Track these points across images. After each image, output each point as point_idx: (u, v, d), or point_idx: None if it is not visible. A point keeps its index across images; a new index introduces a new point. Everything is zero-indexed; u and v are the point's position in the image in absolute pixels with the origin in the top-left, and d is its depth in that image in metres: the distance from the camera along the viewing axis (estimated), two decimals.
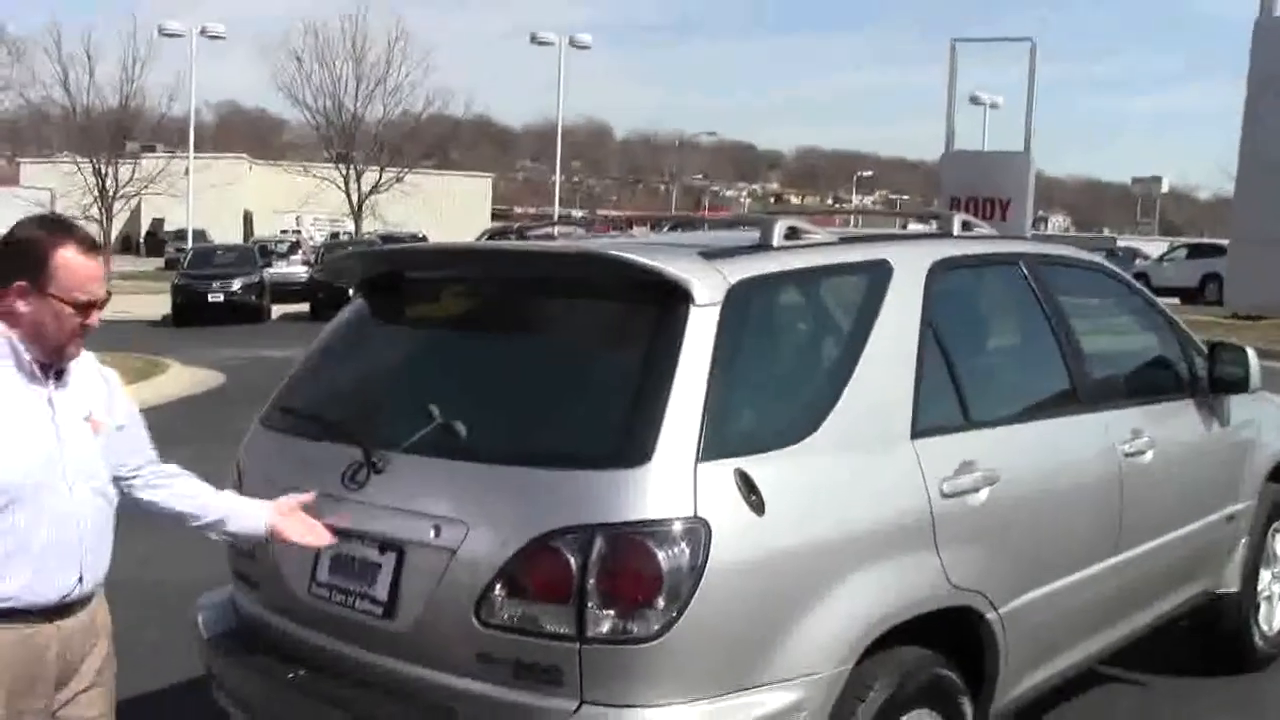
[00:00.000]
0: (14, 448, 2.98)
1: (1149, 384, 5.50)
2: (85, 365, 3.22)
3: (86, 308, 3.05)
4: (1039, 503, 4.34)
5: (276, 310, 32.13)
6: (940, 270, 4.27)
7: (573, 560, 3.19)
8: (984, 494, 4.03)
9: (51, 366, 3.09)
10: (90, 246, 3.09)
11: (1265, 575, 6.15)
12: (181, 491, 3.46)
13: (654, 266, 3.49)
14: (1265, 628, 6.19)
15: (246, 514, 3.55)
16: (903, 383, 3.93)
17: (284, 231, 58.47)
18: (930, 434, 3.94)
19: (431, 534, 3.44)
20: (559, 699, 3.23)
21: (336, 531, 3.60)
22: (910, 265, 4.18)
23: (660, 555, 3.15)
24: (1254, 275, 12.94)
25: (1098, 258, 5.87)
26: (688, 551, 3.17)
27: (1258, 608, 6.13)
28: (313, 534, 3.57)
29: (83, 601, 3.16)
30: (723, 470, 3.29)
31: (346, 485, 3.67)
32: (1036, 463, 4.40)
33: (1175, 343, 5.67)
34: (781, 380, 3.87)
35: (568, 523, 3.23)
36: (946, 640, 3.92)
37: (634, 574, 3.17)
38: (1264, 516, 6.05)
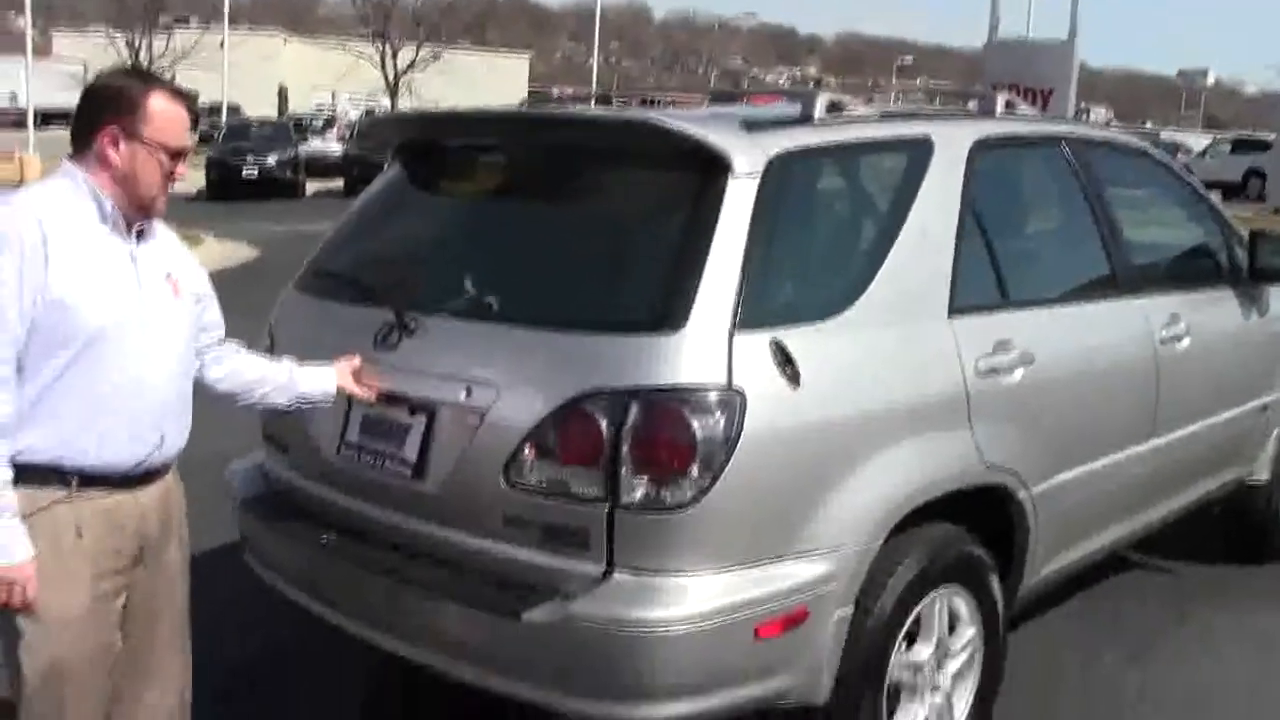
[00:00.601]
0: (95, 292, 2.91)
1: (1189, 271, 5.45)
2: (165, 229, 3.19)
3: (177, 155, 3.02)
4: (1074, 384, 4.33)
5: (311, 186, 32.10)
6: (982, 149, 4.22)
7: (605, 424, 3.20)
8: (1019, 374, 4.02)
9: (134, 222, 3.04)
10: (179, 94, 3.06)
11: None
12: (248, 363, 3.46)
13: (695, 135, 3.46)
14: None
15: (314, 376, 3.57)
16: (941, 260, 3.90)
17: (319, 108, 58.18)
18: (967, 312, 3.92)
19: (462, 395, 3.45)
20: (586, 564, 3.27)
21: None
22: (952, 143, 4.13)
23: (695, 423, 3.16)
24: None
25: (1139, 140, 5.77)
26: (722, 420, 3.17)
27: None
28: (372, 393, 3.64)
29: (160, 471, 3.14)
30: (759, 341, 3.29)
31: (378, 348, 3.68)
32: (1072, 345, 4.38)
33: (1217, 231, 5.61)
34: (819, 253, 3.85)
35: (601, 386, 3.23)
36: (977, 519, 3.94)
37: (668, 441, 3.17)
38: None
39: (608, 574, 3.22)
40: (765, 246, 3.41)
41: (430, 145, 4.33)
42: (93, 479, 2.96)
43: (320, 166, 33.55)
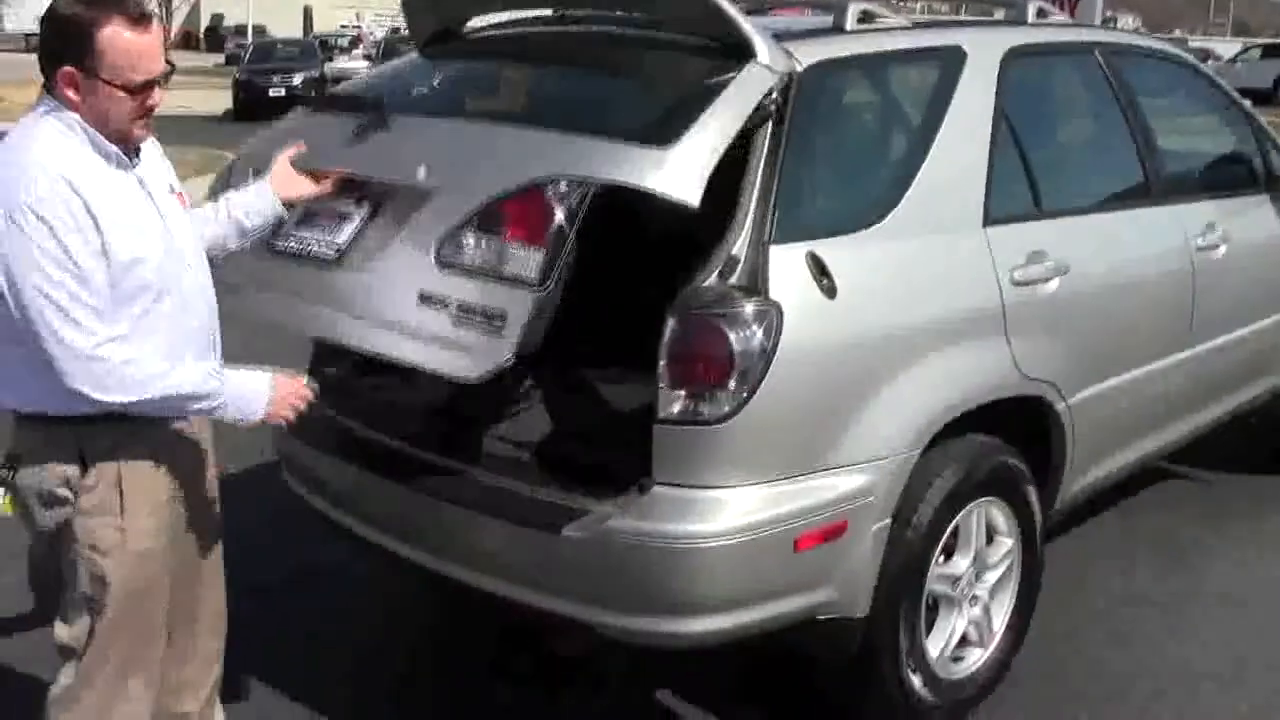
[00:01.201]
0: (141, 238, 2.80)
1: (1224, 178, 5.36)
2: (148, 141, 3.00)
3: (144, 89, 2.77)
4: (1109, 294, 4.30)
5: None
6: (1014, 57, 4.16)
7: (556, 208, 3.14)
8: (1055, 283, 3.99)
9: (125, 150, 2.88)
10: (139, 19, 2.72)
11: None
12: (207, 218, 3.31)
13: (740, 30, 3.37)
14: None
15: (252, 202, 3.38)
16: (975, 170, 3.86)
17: (343, 26, 57.77)
18: (1002, 222, 3.89)
19: (421, 173, 3.46)
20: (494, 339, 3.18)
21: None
22: (984, 51, 4.07)
23: (732, 336, 3.14)
24: None
25: (1173, 47, 5.68)
26: (759, 333, 3.16)
27: None
28: (323, 185, 3.53)
29: None
30: (794, 253, 3.27)
31: (350, 143, 3.67)
32: (1108, 254, 4.34)
33: (1251, 137, 5.52)
34: (853, 164, 3.82)
35: (560, 174, 3.18)
36: (1015, 430, 3.93)
37: (706, 355, 3.16)
38: None
39: (648, 490, 3.21)
40: (799, 158, 3.37)
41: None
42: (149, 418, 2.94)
43: None
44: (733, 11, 3.37)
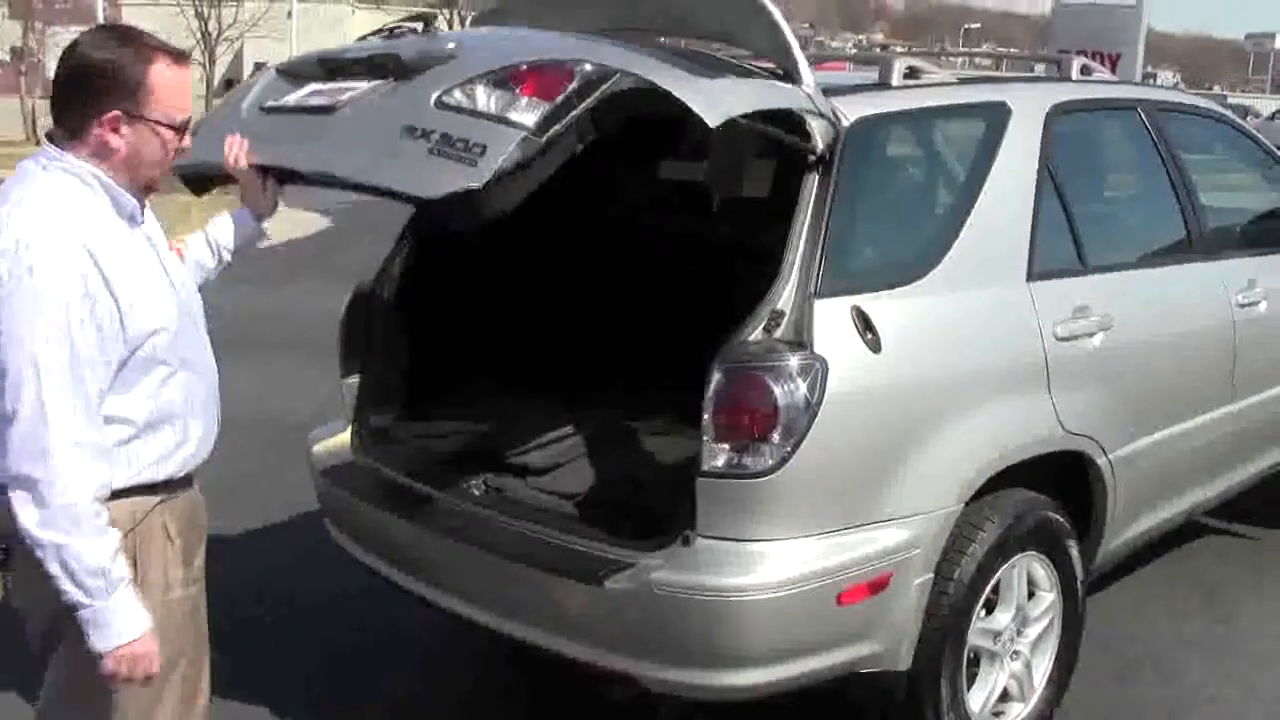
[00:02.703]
0: (158, 302, 2.64)
1: (1265, 234, 5.37)
2: None
3: (183, 128, 2.67)
4: (1152, 349, 4.31)
5: None
6: (1059, 113, 4.19)
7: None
8: (1098, 339, 4.01)
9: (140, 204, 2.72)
10: (179, 55, 2.65)
11: None
12: (202, 263, 3.15)
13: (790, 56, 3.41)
14: None
15: (237, 225, 3.20)
16: (1019, 225, 3.89)
17: None
18: (1046, 277, 3.91)
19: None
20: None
21: None
22: (1029, 107, 4.11)
23: (777, 390, 3.17)
24: None
25: (1216, 105, 5.71)
26: (804, 387, 3.19)
27: None
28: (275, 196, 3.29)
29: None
30: (840, 307, 3.30)
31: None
32: (1150, 309, 4.37)
33: None
34: (899, 219, 3.86)
35: None
36: (1056, 485, 3.94)
37: (750, 408, 3.19)
38: None
39: (690, 542, 3.24)
40: (845, 211, 3.41)
41: None
42: (175, 482, 2.75)
43: None
44: (789, 38, 3.40)
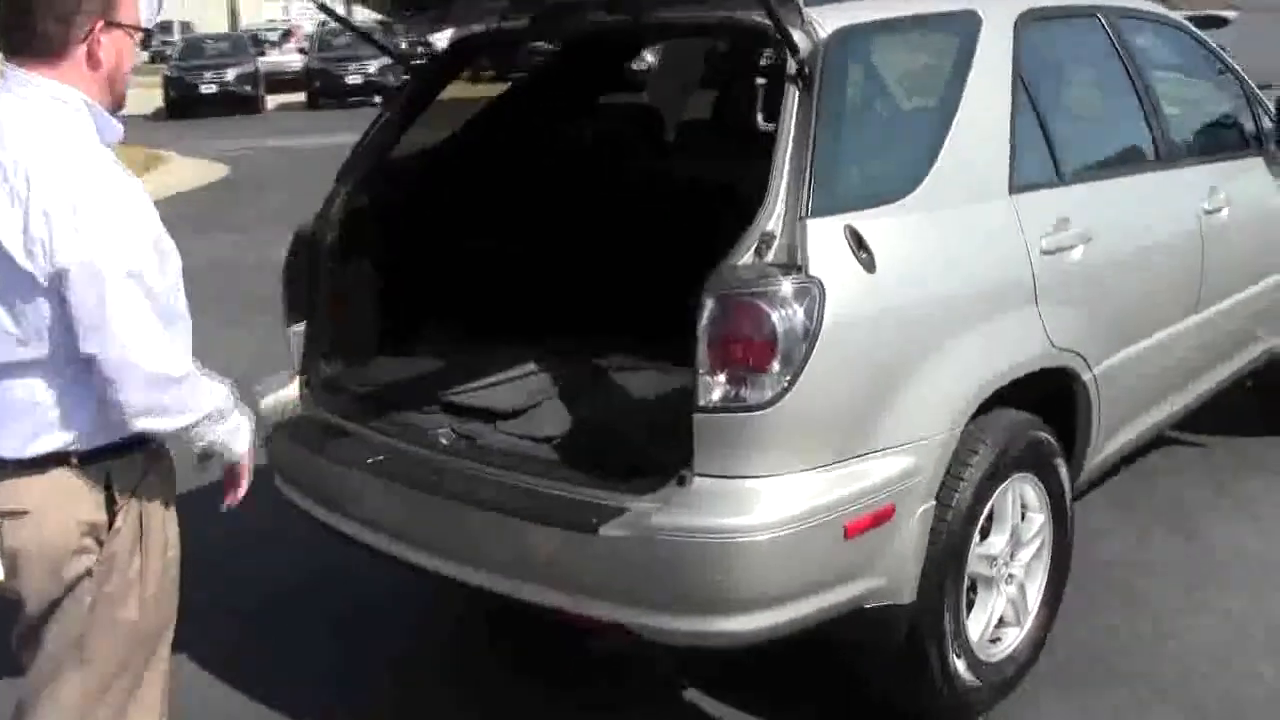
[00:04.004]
0: (170, 241, 2.52)
1: (1222, 141, 5.31)
2: None
3: (149, 32, 2.55)
4: (1129, 260, 4.21)
5: (272, 100, 31.43)
6: (1026, 21, 4.04)
7: None
8: (1079, 251, 3.88)
9: None
10: None
11: None
12: None
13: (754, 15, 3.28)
14: None
15: None
16: (998, 136, 3.74)
17: (270, 21, 56.91)
18: (1026, 190, 3.77)
19: None
20: None
21: None
22: (998, 16, 3.94)
23: (775, 316, 2.99)
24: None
25: (1168, 11, 5.59)
26: (802, 312, 3.01)
27: None
28: None
29: None
30: (832, 226, 3.12)
31: None
32: (1126, 219, 4.25)
33: (1243, 99, 5.46)
34: (881, 134, 3.70)
35: None
36: (1040, 402, 3.81)
37: (746, 338, 3.01)
38: None
39: (689, 481, 3.06)
40: (830, 127, 3.23)
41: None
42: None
43: (280, 80, 32.77)
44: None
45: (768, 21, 3.26)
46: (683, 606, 3.09)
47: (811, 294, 3.02)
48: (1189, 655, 4.12)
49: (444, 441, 3.64)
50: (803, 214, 3.08)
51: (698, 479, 3.05)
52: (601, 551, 3.08)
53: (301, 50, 35.56)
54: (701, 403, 3.03)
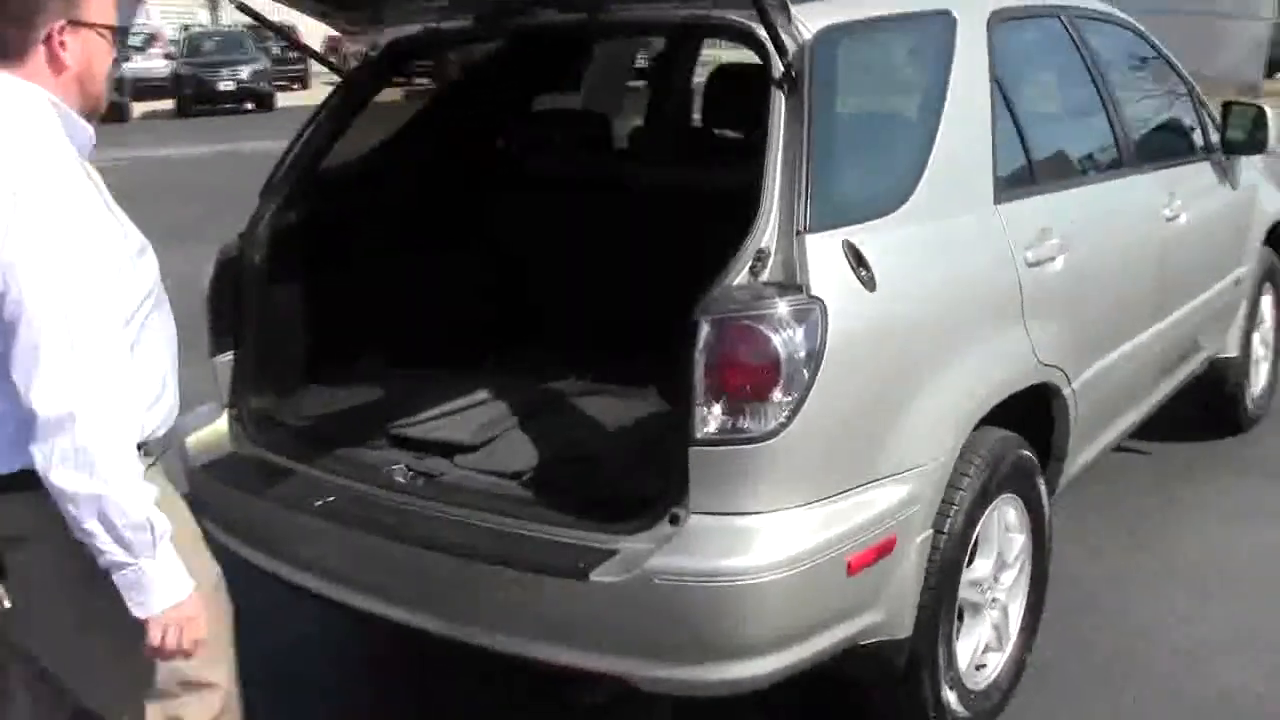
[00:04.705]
0: (144, 244, 2.37)
1: (1175, 146, 5.22)
2: None
3: (123, 32, 2.45)
4: (1104, 269, 4.08)
5: (137, 109, 30.42)
6: (995, 21, 3.87)
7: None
8: (1060, 261, 3.73)
9: None
10: None
11: (1255, 338, 6.03)
12: None
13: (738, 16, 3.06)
14: (1253, 390, 6.11)
15: None
16: (981, 143, 3.58)
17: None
18: (1009, 199, 3.62)
19: None
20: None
21: None
22: (970, 16, 3.77)
23: (776, 340, 2.77)
24: None
25: (1121, 14, 5.50)
26: (804, 334, 2.79)
27: (1248, 372, 6.02)
28: None
29: None
30: (830, 242, 2.91)
31: None
32: (1099, 228, 4.13)
33: (1191, 103, 5.40)
34: (872, 141, 3.49)
35: None
36: (1021, 420, 3.65)
37: (746, 363, 2.79)
38: (1259, 280, 5.91)
39: (684, 521, 2.81)
40: (823, 135, 3.02)
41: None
42: (161, 441, 2.48)
43: (146, 87, 31.69)
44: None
45: (747, 21, 3.04)
46: (683, 654, 2.85)
47: (814, 315, 2.80)
48: (1165, 665, 4.02)
49: (400, 480, 3.35)
50: (800, 228, 2.86)
51: (694, 517, 2.81)
52: (593, 599, 2.82)
53: (168, 56, 34.51)
54: (699, 435, 2.79)
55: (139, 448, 2.26)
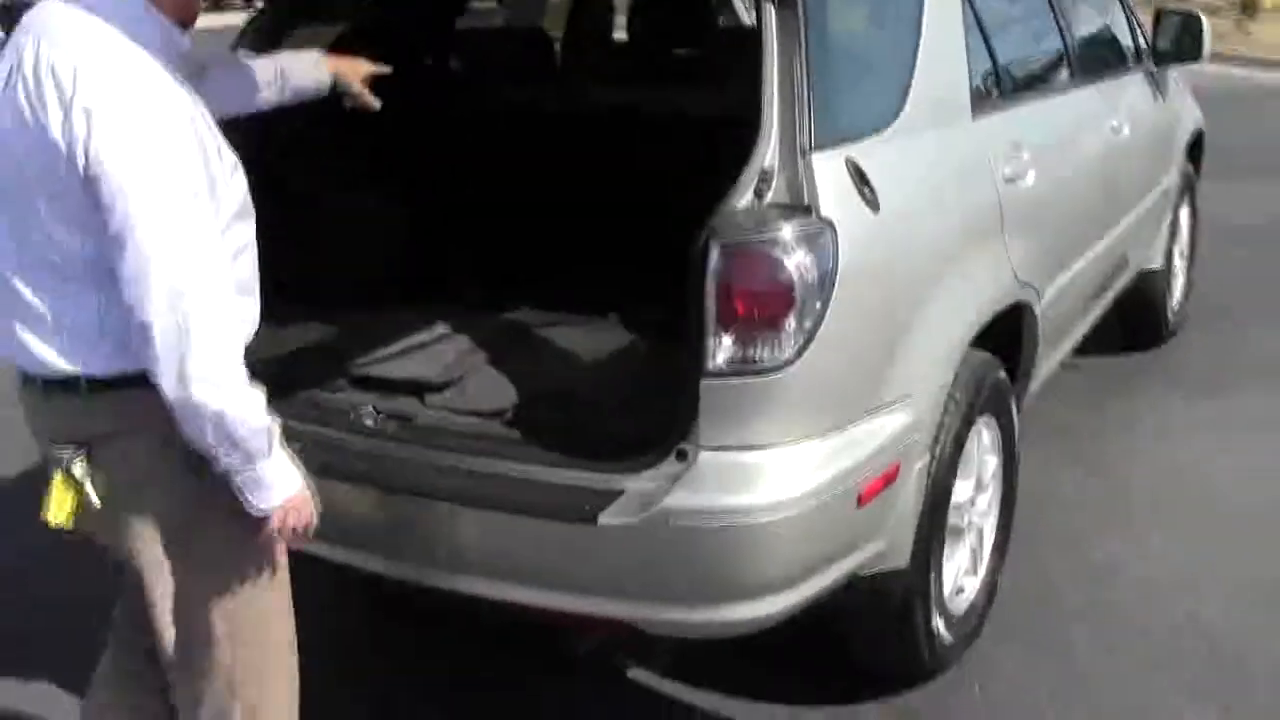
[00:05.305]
0: (234, 159, 2.27)
1: (1113, 57, 5.18)
2: None
3: None
4: (1065, 184, 4.03)
5: None
6: None
7: None
8: (1030, 177, 3.65)
9: None
10: None
11: (1175, 250, 6.08)
12: (234, 82, 2.86)
13: None
14: (1172, 302, 6.16)
15: (304, 65, 2.97)
16: (958, 54, 3.46)
17: None
18: (984, 113, 3.52)
19: None
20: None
21: None
22: None
23: (789, 265, 2.63)
24: None
25: None
26: (817, 259, 2.65)
27: (1170, 284, 6.07)
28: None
29: None
30: (835, 161, 2.77)
31: None
32: (1061, 142, 4.09)
33: (1123, 12, 5.35)
34: (863, 54, 3.33)
35: None
36: (996, 341, 3.58)
37: (758, 290, 2.65)
38: (1181, 190, 5.94)
39: (694, 457, 2.67)
40: (819, 47, 2.83)
41: None
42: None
43: None
44: None
45: None
46: (697, 597, 2.73)
47: (825, 238, 2.67)
48: (1123, 589, 4.01)
49: (369, 423, 3.16)
50: (805, 147, 2.71)
51: (704, 453, 2.67)
52: (601, 543, 2.68)
53: None
54: (710, 367, 2.64)
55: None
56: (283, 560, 2.42)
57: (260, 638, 2.40)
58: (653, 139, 3.16)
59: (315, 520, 2.33)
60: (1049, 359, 4.21)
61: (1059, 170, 3.91)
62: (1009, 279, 3.47)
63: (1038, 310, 3.74)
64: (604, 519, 2.65)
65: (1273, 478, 4.77)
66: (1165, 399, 5.57)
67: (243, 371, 2.14)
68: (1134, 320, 5.91)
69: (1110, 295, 5.07)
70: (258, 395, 2.17)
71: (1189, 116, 5.97)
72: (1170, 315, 6.13)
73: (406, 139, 4.05)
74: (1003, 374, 3.54)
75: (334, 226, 3.83)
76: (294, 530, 2.29)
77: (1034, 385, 4.09)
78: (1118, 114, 4.62)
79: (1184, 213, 6.16)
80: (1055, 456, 4.93)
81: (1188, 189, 6.10)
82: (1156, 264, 5.70)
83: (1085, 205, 4.30)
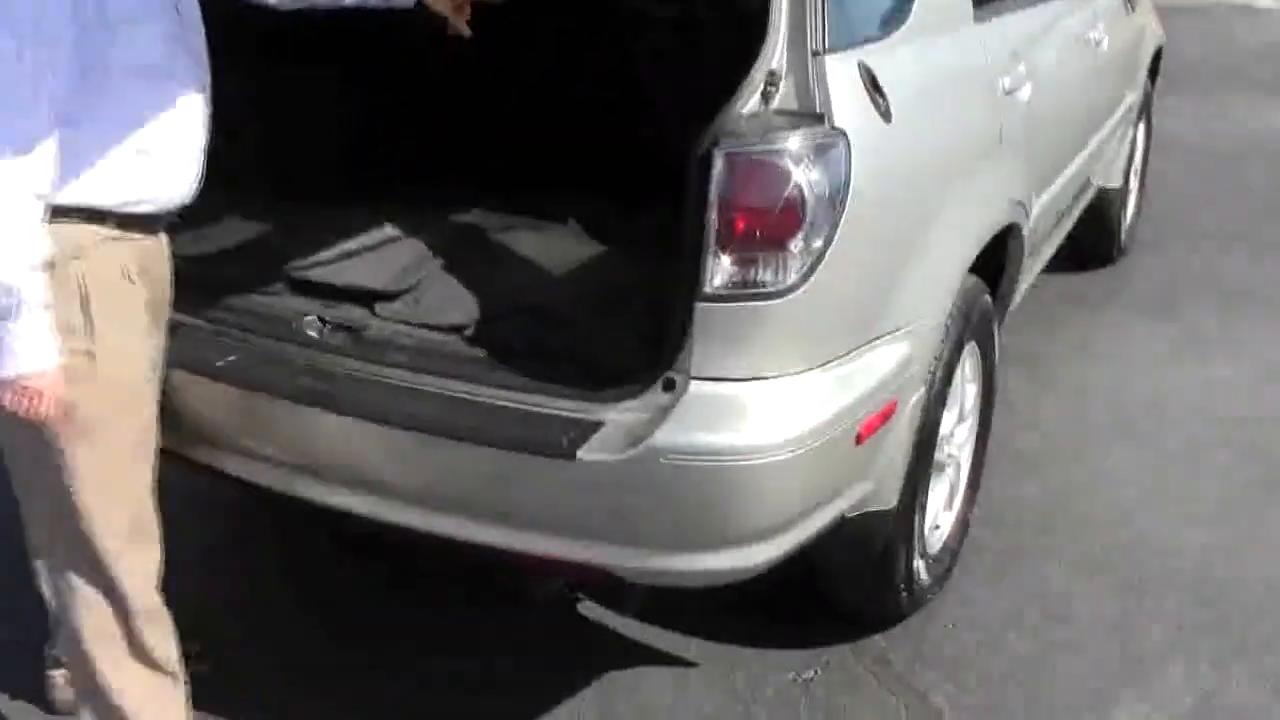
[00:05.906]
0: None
1: None
2: None
3: None
4: (1054, 98, 3.78)
5: None
6: None
7: None
8: (1026, 90, 3.41)
9: None
10: None
11: (1131, 170, 5.92)
12: None
13: None
14: (1125, 221, 6.01)
15: None
16: None
17: None
18: (984, 18, 3.26)
19: None
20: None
21: None
22: None
23: (799, 177, 2.35)
24: None
25: None
26: (829, 171, 2.38)
27: (1126, 202, 5.92)
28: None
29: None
30: (847, 65, 2.49)
31: None
32: (1050, 54, 3.85)
33: None
34: None
35: None
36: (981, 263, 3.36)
37: (764, 205, 2.37)
38: (1141, 107, 5.76)
39: (685, 386, 2.41)
40: None
41: None
42: (134, 219, 2.36)
43: None
44: None
45: None
46: (685, 542, 2.47)
47: (838, 150, 2.39)
48: (1085, 511, 3.90)
49: (312, 333, 2.85)
50: (816, 48, 2.42)
51: (695, 383, 2.40)
52: (579, 479, 2.40)
53: None
54: (708, 289, 2.36)
55: (101, 216, 2.27)
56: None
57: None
58: (631, 30, 2.85)
59: (48, 414, 2.23)
60: (1026, 281, 4.01)
61: (1049, 83, 3.66)
62: (1006, 199, 3.24)
63: (1025, 231, 3.51)
64: (583, 454, 2.38)
65: (1228, 395, 4.70)
66: (1121, 319, 5.45)
67: (8, 221, 2.08)
68: (1088, 239, 5.72)
69: (1078, 212, 4.88)
70: (20, 253, 2.10)
71: (1151, 32, 5.77)
72: (1122, 234, 5.97)
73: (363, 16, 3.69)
74: (989, 299, 3.32)
75: (262, 112, 3.46)
76: (13, 412, 2.20)
77: (1013, 307, 3.89)
78: (1097, 26, 4.38)
79: (1140, 130, 6.00)
80: (1012, 379, 4.75)
81: (1145, 106, 5.92)
82: (1115, 182, 5.53)
83: (1069, 120, 4.09)
